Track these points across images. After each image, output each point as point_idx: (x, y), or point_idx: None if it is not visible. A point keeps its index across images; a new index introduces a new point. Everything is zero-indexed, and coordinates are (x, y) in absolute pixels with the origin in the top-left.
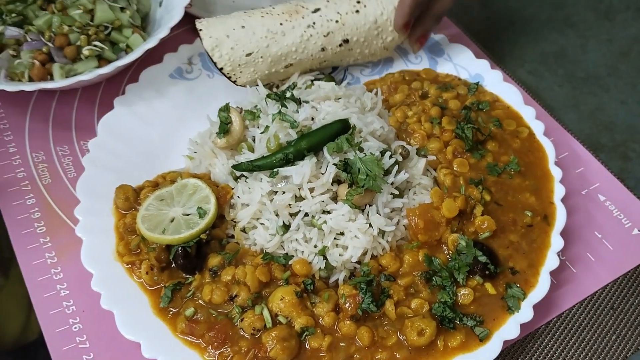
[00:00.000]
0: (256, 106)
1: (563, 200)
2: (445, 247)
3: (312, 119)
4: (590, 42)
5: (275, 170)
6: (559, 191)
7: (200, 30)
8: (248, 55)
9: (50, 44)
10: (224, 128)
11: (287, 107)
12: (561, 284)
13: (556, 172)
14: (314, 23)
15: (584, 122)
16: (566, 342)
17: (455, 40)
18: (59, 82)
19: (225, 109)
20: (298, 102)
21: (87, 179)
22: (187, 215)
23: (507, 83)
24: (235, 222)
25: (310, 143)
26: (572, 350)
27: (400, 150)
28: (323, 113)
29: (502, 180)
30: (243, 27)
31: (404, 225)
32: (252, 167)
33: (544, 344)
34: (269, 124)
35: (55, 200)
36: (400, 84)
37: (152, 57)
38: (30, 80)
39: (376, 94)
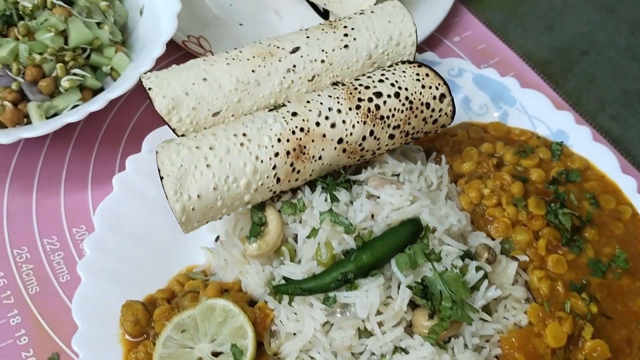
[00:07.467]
0: (296, 194)
1: None
2: None
3: (372, 216)
4: None
5: (332, 295)
6: None
7: (150, 89)
8: (215, 114)
9: (20, 79)
10: (256, 231)
11: (338, 200)
12: None
13: None
14: (294, 66)
15: None
16: None
17: (521, 79)
18: (40, 126)
19: (260, 206)
20: (349, 184)
21: (85, 295)
22: (218, 354)
23: (597, 143)
24: (280, 358)
25: (374, 257)
26: None
27: (485, 255)
28: (387, 210)
29: (607, 281)
30: (205, 79)
31: (496, 357)
32: (301, 291)
33: None
34: (315, 224)
35: (47, 319)
36: (465, 144)
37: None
38: (2, 126)
39: (438, 161)
